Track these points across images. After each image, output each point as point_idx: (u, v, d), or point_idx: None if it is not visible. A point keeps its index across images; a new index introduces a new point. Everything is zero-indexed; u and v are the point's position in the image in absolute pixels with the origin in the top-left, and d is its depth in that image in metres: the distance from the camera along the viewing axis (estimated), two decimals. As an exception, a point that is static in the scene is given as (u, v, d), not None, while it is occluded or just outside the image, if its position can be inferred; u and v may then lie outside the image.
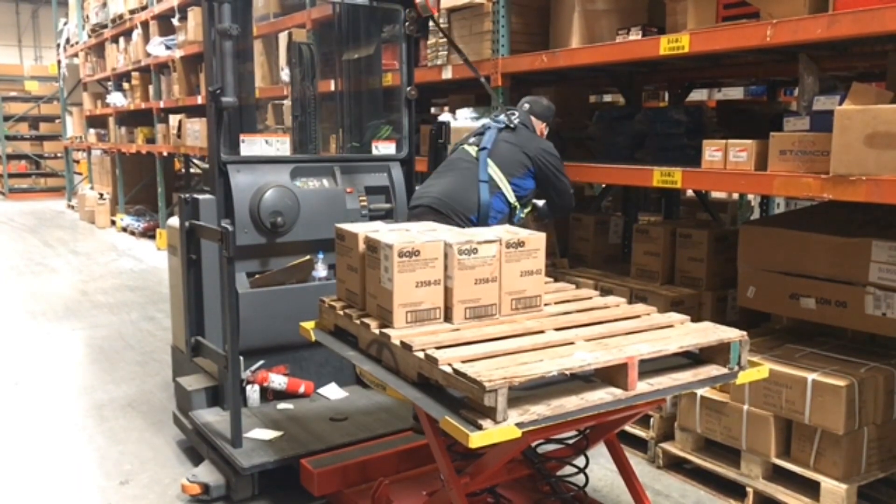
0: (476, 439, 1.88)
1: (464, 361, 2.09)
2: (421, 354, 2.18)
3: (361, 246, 2.56)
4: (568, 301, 2.75)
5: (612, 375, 2.14)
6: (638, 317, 2.57)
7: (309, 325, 2.85)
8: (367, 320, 2.49)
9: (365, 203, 3.95)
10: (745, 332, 2.34)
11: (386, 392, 2.36)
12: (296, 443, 3.25)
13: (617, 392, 2.11)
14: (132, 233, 11.42)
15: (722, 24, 3.25)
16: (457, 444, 2.84)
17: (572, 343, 2.27)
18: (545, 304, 2.60)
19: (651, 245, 4.11)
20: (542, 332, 2.38)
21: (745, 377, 2.35)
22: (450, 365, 2.09)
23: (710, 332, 2.36)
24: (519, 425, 1.93)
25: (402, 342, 2.27)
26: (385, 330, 2.37)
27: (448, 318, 2.44)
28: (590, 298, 2.79)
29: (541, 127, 3.83)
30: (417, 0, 3.76)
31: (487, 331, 2.35)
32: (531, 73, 4.26)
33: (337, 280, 2.80)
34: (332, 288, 3.05)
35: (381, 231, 2.61)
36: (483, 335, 2.32)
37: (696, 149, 3.44)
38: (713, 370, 2.31)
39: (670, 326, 2.46)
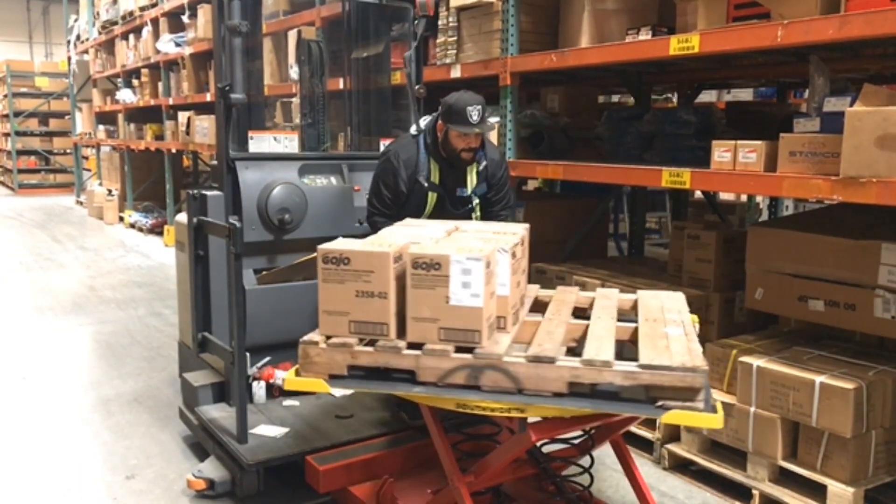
0: (717, 420, 2.01)
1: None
2: (575, 363, 2.10)
3: (397, 266, 2.25)
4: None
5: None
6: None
7: (304, 382, 2.31)
8: (433, 347, 2.20)
9: (372, 201, 3.95)
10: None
11: (521, 414, 2.17)
12: (301, 439, 3.25)
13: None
14: (140, 229, 11.46)
15: (732, 24, 3.24)
16: (461, 442, 2.85)
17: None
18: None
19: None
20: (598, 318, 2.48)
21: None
22: (633, 362, 2.08)
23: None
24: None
25: (535, 356, 2.13)
26: (481, 350, 2.17)
27: (502, 326, 2.35)
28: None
29: (439, 124, 3.32)
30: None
31: (564, 329, 2.40)
32: (540, 72, 4.25)
33: (324, 314, 2.30)
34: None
35: (416, 244, 2.34)
36: (573, 331, 2.39)
37: (705, 150, 3.42)
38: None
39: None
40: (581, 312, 2.67)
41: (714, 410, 2.04)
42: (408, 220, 2.98)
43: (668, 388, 2.03)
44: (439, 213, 3.37)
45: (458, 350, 2.18)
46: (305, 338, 2.31)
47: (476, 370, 2.15)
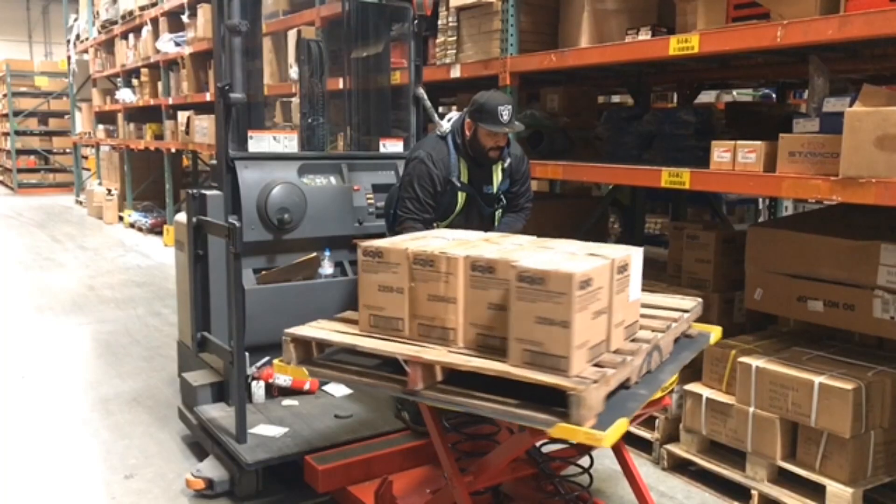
0: (719, 331, 2.82)
1: None
2: (674, 324, 2.49)
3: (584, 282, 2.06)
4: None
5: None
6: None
7: (619, 428, 1.93)
8: (633, 347, 2.22)
9: (371, 201, 3.95)
10: None
11: (675, 383, 2.54)
12: (300, 439, 3.25)
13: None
14: (139, 229, 11.46)
15: (732, 24, 3.24)
16: (460, 442, 2.85)
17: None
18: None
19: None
20: None
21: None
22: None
23: None
24: None
25: (667, 326, 2.45)
26: (643, 336, 2.36)
27: None
28: None
29: (468, 122, 3.34)
30: None
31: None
32: (540, 72, 4.25)
33: (577, 349, 1.99)
34: (336, 284, 2.99)
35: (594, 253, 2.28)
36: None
37: (705, 150, 3.42)
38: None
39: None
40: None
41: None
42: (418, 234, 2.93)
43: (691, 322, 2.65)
44: (467, 212, 3.42)
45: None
46: (579, 385, 1.92)
47: (649, 356, 2.30)
